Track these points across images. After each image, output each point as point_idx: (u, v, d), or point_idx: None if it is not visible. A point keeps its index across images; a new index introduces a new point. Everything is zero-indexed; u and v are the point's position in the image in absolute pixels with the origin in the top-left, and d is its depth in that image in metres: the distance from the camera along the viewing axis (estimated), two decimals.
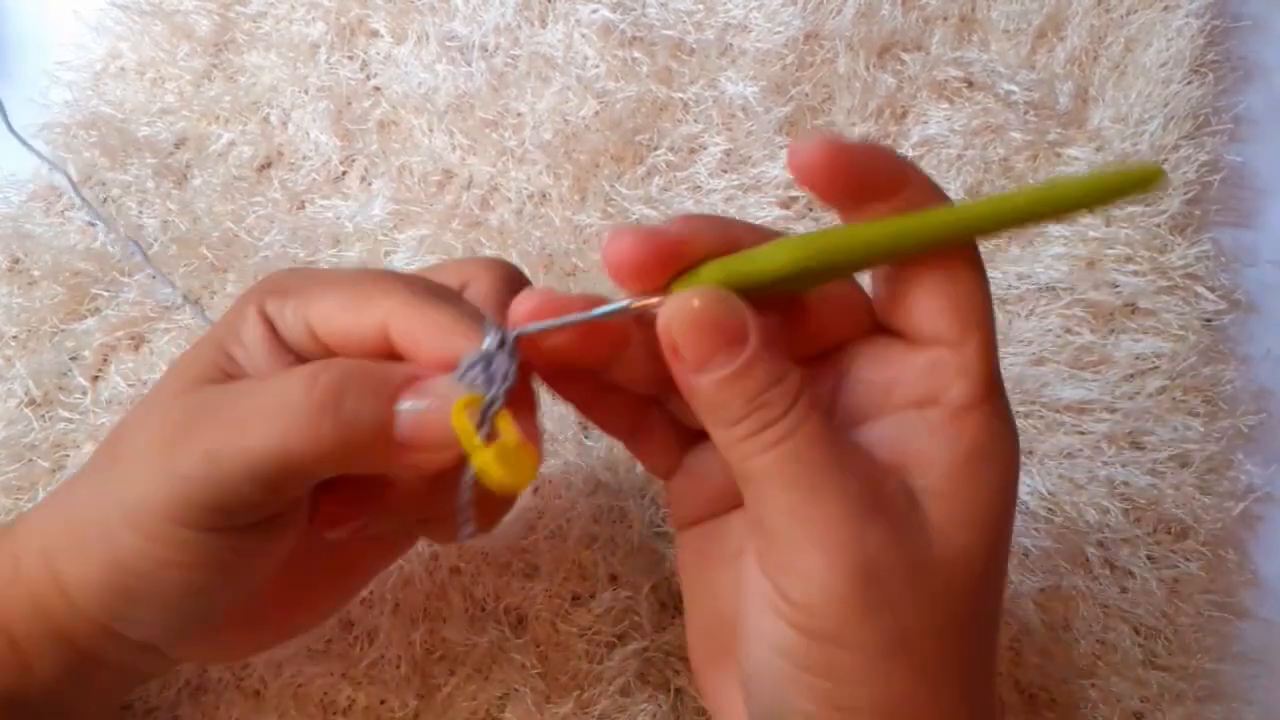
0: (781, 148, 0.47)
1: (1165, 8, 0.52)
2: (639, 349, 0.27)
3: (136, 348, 0.43)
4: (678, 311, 0.24)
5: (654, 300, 0.25)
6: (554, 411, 0.41)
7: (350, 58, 0.49)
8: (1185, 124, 0.49)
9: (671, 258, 0.25)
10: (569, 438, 0.41)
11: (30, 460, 0.41)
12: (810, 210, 0.47)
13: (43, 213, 0.45)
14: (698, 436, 0.30)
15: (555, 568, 0.39)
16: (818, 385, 0.27)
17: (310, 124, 0.47)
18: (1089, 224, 0.47)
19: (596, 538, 0.40)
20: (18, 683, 0.29)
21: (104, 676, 0.31)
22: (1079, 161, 0.48)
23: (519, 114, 0.48)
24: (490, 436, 0.25)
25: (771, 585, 0.25)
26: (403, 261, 0.45)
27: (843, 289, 0.27)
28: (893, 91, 0.49)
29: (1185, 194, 0.48)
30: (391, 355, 0.27)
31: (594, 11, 0.49)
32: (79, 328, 0.43)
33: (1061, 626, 0.41)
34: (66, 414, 0.42)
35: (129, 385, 0.42)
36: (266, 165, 0.47)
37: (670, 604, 0.40)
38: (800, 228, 0.47)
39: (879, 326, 0.27)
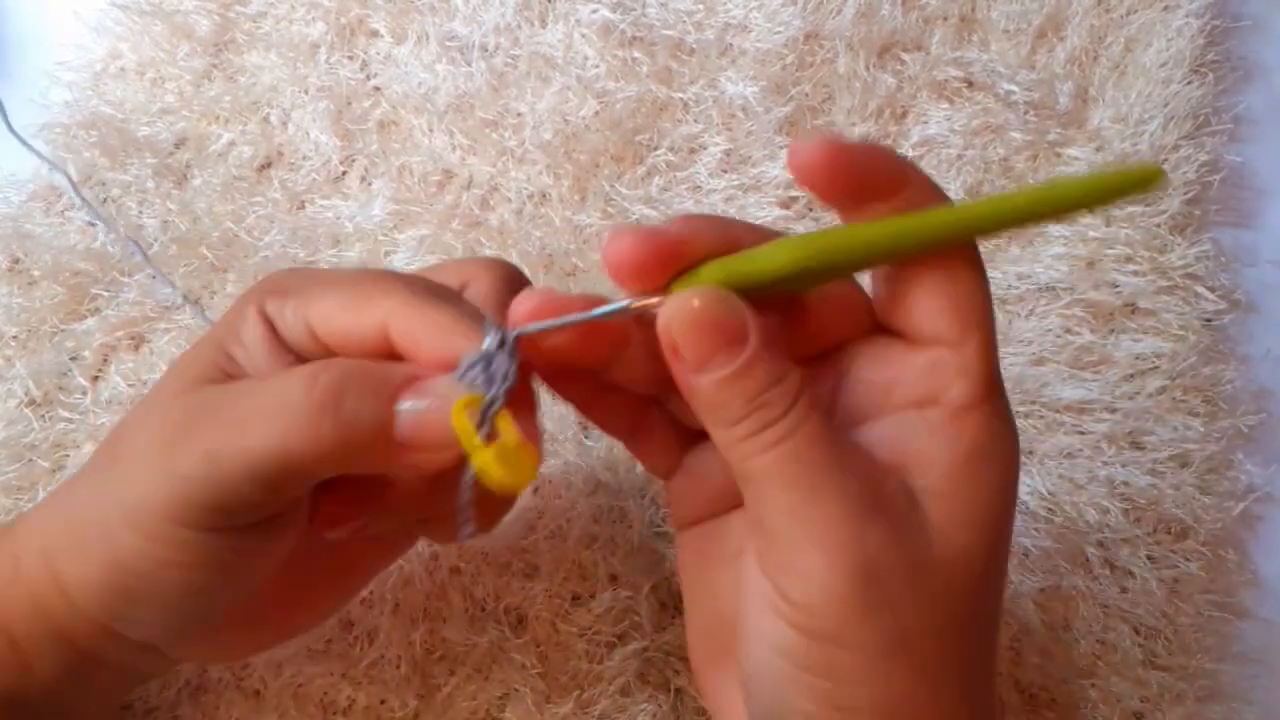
0: (781, 148, 0.47)
1: (1165, 8, 0.52)
2: (639, 349, 0.27)
3: (136, 348, 0.43)
4: (678, 311, 0.24)
5: (654, 300, 0.25)
6: (554, 411, 0.41)
7: (350, 58, 0.49)
8: (1185, 124, 0.49)
9: (671, 258, 0.25)
10: (569, 438, 0.41)
11: (30, 460, 0.41)
12: (810, 210, 0.47)
13: (43, 213, 0.45)
14: (698, 436, 0.30)
15: (555, 568, 0.39)
16: (817, 385, 0.27)
17: (310, 124, 0.47)
18: (1089, 224, 0.47)
19: (596, 538, 0.40)
20: (17, 682, 0.29)
21: (104, 676, 0.31)
22: (1079, 161, 0.48)
23: (519, 114, 0.48)
24: (490, 436, 0.25)
25: (771, 585, 0.25)
26: (403, 261, 0.45)
27: (842, 289, 0.27)
28: (893, 91, 0.49)
29: (1185, 194, 0.48)
30: (391, 355, 0.27)
31: (594, 11, 0.49)
32: (79, 328, 0.43)
33: (1061, 626, 0.41)
34: (66, 414, 0.42)
35: (129, 385, 0.42)
36: (266, 165, 0.47)
37: (670, 604, 0.40)
38: (800, 228, 0.47)
39: (879, 326, 0.27)
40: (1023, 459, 0.42)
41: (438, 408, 0.25)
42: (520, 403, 0.26)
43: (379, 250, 0.45)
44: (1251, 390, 0.47)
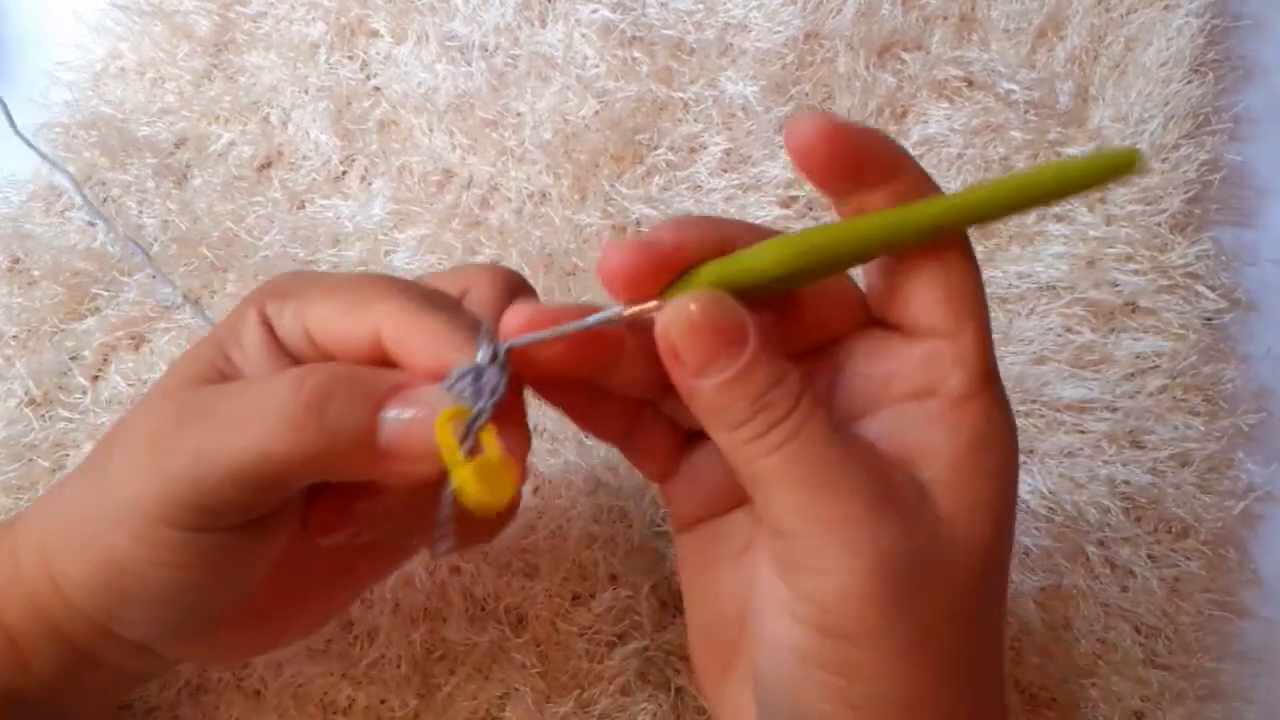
0: (781, 147, 0.47)
1: (1165, 7, 0.52)
2: (634, 353, 0.27)
3: (136, 348, 0.43)
4: (676, 316, 0.24)
5: (649, 305, 0.25)
6: (554, 411, 0.41)
7: (350, 58, 0.49)
8: (1185, 123, 0.49)
9: (666, 266, 0.25)
10: (569, 437, 0.41)
11: (30, 460, 0.41)
12: (810, 210, 0.47)
13: (43, 213, 0.45)
14: (693, 437, 0.29)
15: (555, 568, 0.39)
16: (814, 381, 0.27)
17: (310, 124, 0.47)
18: (1089, 223, 0.47)
19: (596, 538, 0.40)
20: (16, 681, 0.29)
21: (101, 676, 0.31)
22: None
23: (519, 114, 0.48)
24: (473, 451, 0.24)
25: (787, 586, 0.25)
26: (403, 261, 0.45)
27: (834, 283, 0.27)
28: (893, 91, 0.49)
29: (1185, 193, 0.48)
30: (387, 362, 0.26)
31: (594, 11, 0.49)
32: (79, 328, 0.43)
33: (1062, 626, 0.41)
34: (66, 414, 0.42)
35: (129, 385, 0.42)
36: (266, 165, 0.47)
37: (670, 603, 0.40)
38: (800, 226, 0.47)
39: (873, 320, 0.27)
40: (1023, 458, 0.43)
41: (423, 418, 0.25)
42: (508, 419, 0.25)
43: (379, 250, 0.45)
44: (1252, 389, 0.46)
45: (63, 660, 0.29)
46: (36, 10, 0.51)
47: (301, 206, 0.46)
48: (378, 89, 0.49)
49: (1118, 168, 0.25)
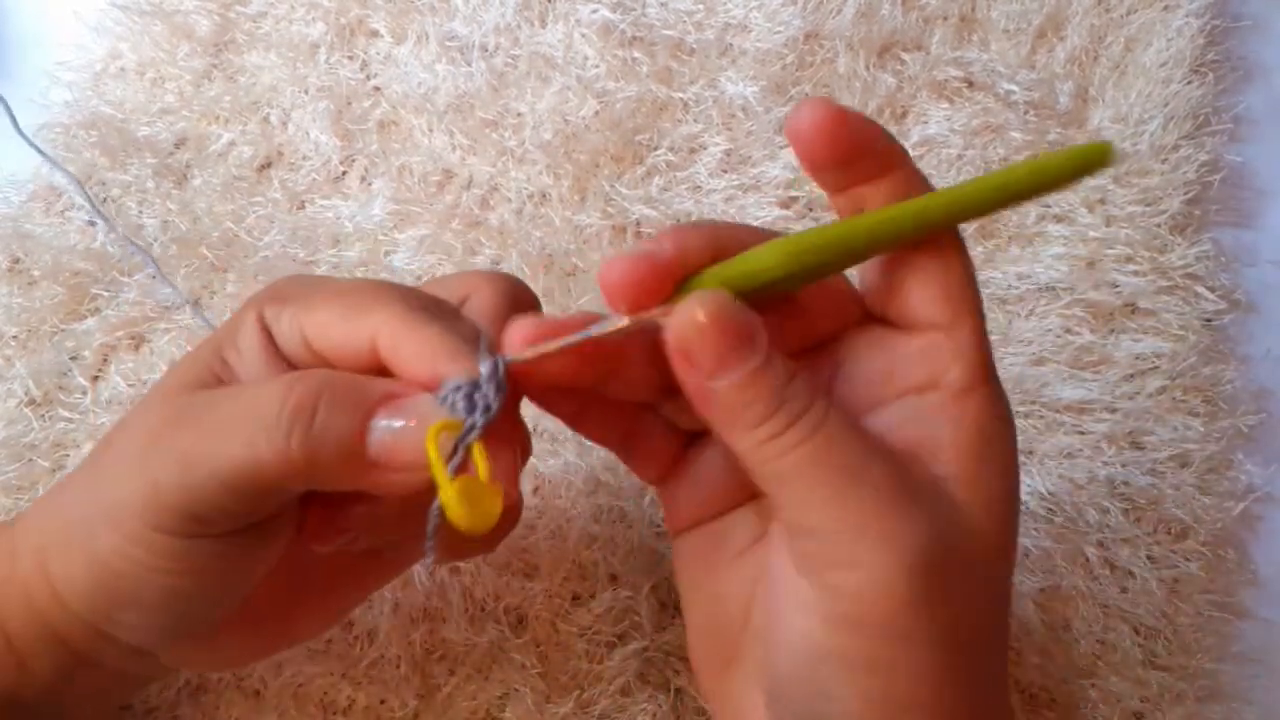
0: (782, 147, 0.47)
1: (1165, 7, 0.52)
2: (633, 357, 0.27)
3: (136, 348, 0.43)
4: (687, 319, 0.24)
5: (655, 313, 0.25)
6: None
7: (350, 58, 0.49)
8: (1185, 124, 0.49)
9: (668, 275, 0.25)
10: (569, 438, 0.41)
11: (30, 460, 0.41)
12: (810, 210, 0.47)
13: (43, 213, 0.45)
14: (691, 438, 0.29)
15: (555, 568, 0.39)
16: (816, 380, 0.27)
17: (310, 124, 0.47)
18: (1089, 224, 0.47)
19: (596, 538, 0.40)
20: (15, 682, 0.29)
21: (99, 679, 0.31)
22: None
23: (519, 114, 0.48)
24: (462, 467, 0.24)
25: (815, 584, 0.24)
26: (402, 261, 0.45)
27: (827, 281, 0.27)
28: (893, 91, 0.49)
29: (1185, 194, 0.48)
30: (384, 370, 0.26)
31: (594, 11, 0.49)
32: (79, 328, 0.43)
33: (1061, 626, 0.41)
34: (66, 414, 0.42)
35: (129, 385, 0.42)
36: (266, 165, 0.47)
37: (670, 604, 0.40)
38: (800, 227, 0.47)
39: (868, 317, 0.27)
40: (1023, 459, 0.43)
41: (413, 429, 0.24)
42: (501, 437, 0.25)
43: (379, 250, 0.45)
44: (1251, 390, 0.46)
45: (61, 662, 0.29)
46: (36, 10, 0.51)
47: (301, 207, 0.46)
48: (378, 89, 0.49)
49: (1092, 161, 0.25)
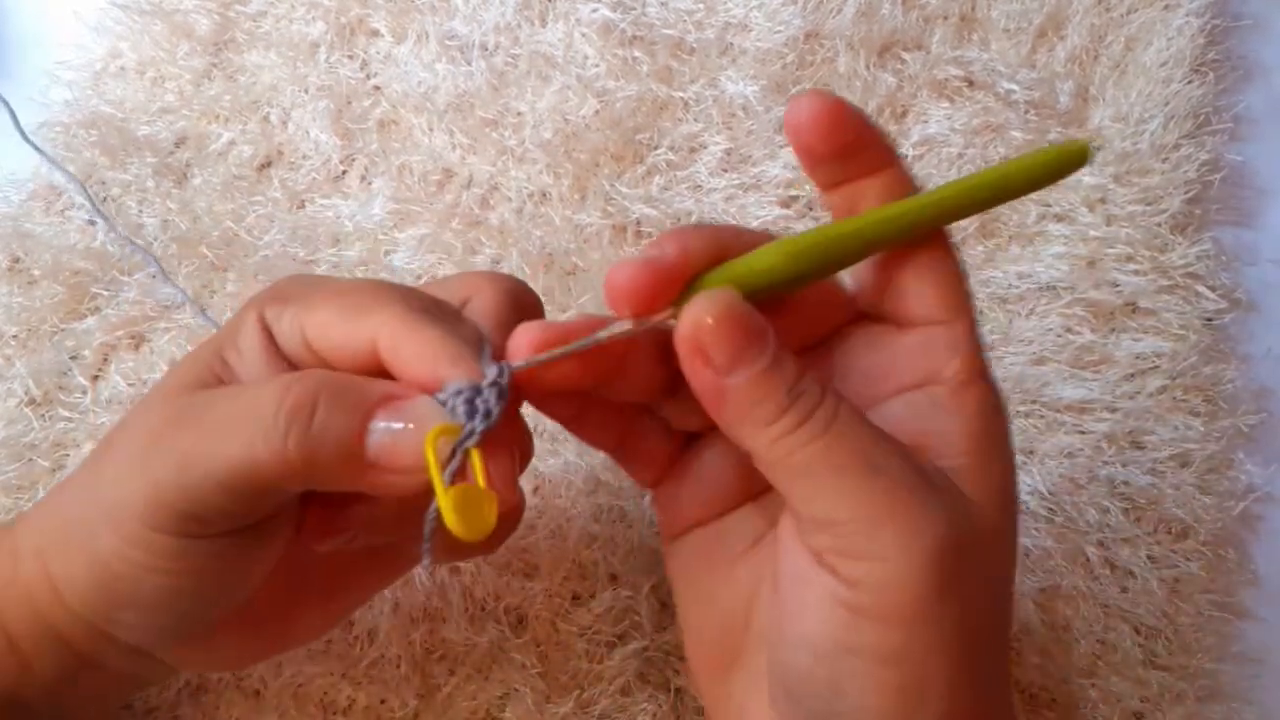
0: (782, 147, 0.47)
1: (1165, 7, 0.52)
2: (635, 359, 0.27)
3: (136, 347, 0.43)
4: (700, 317, 0.24)
5: (661, 316, 0.25)
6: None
7: (350, 57, 0.49)
8: (1186, 123, 0.49)
9: (673, 280, 0.25)
10: (569, 438, 0.41)
11: (30, 460, 0.41)
12: (810, 210, 0.47)
13: (43, 212, 0.45)
14: (687, 441, 0.29)
15: (555, 568, 0.39)
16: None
17: (310, 123, 0.47)
18: (1089, 223, 0.47)
19: (596, 537, 0.40)
20: (17, 683, 0.29)
21: (101, 679, 0.31)
22: None
23: (519, 113, 0.48)
24: (460, 471, 0.24)
25: (836, 577, 0.24)
26: (402, 261, 0.45)
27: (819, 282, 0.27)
28: (893, 91, 0.49)
29: (1186, 193, 0.48)
30: (384, 371, 0.26)
31: (594, 11, 0.49)
32: (79, 327, 0.43)
33: (1061, 626, 0.41)
34: (66, 414, 0.42)
35: (129, 385, 0.42)
36: (266, 164, 0.47)
37: (670, 604, 0.40)
38: (800, 226, 0.47)
39: (859, 316, 0.28)
40: (1023, 458, 0.43)
41: (412, 431, 0.24)
42: (500, 444, 0.25)
43: (379, 249, 0.45)
44: (1252, 390, 0.46)
45: (63, 663, 0.29)
46: (36, 10, 0.51)
47: (301, 206, 0.46)
48: (378, 88, 0.49)
49: (1072, 159, 0.26)
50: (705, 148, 0.48)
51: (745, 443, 0.25)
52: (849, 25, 0.49)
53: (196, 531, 0.26)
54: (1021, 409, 0.44)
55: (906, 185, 0.26)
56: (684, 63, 0.49)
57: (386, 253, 0.45)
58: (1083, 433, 0.44)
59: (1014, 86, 0.49)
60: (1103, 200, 0.48)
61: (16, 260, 0.44)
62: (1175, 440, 0.44)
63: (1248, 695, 0.42)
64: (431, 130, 0.47)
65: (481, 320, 0.28)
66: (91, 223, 0.45)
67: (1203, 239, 0.48)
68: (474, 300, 0.29)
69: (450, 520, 0.23)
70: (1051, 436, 0.44)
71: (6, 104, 0.46)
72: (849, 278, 0.28)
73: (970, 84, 0.50)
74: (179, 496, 0.25)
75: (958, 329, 0.26)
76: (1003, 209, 0.47)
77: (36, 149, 0.45)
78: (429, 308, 0.27)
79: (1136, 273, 0.46)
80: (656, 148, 0.47)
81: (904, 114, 0.49)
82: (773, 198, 0.47)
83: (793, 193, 0.47)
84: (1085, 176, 0.48)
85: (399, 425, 0.25)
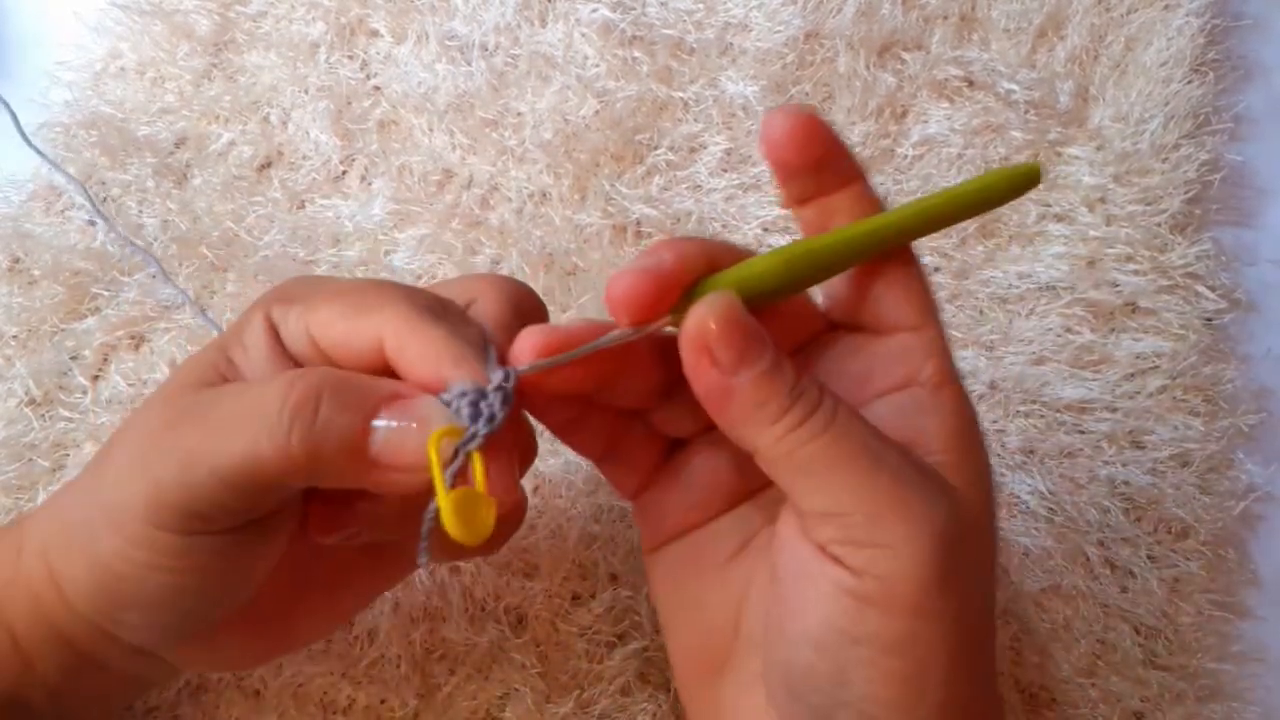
0: None
1: (1165, 7, 0.52)
2: (634, 365, 0.27)
3: (136, 347, 0.43)
4: (705, 318, 0.25)
5: (662, 322, 0.25)
6: None
7: (350, 57, 0.49)
8: (1186, 123, 0.49)
9: (672, 287, 0.26)
10: None
11: (30, 460, 0.41)
12: None
13: (43, 212, 0.45)
14: (671, 449, 0.30)
15: (555, 567, 0.39)
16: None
17: (310, 124, 0.47)
18: (1089, 223, 0.47)
19: (596, 537, 0.40)
20: (20, 682, 0.29)
21: (104, 680, 0.31)
22: (1079, 160, 0.48)
23: (519, 113, 0.48)
24: (460, 474, 0.24)
25: (843, 566, 0.25)
26: (403, 261, 0.45)
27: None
28: (893, 91, 0.49)
29: (1185, 193, 0.48)
30: (388, 370, 0.26)
31: (594, 11, 0.49)
32: (79, 327, 0.43)
33: (1061, 626, 0.41)
34: (66, 414, 0.42)
35: (129, 385, 0.42)
36: (266, 165, 0.47)
37: None
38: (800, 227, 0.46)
39: (831, 326, 0.29)
40: (1023, 458, 0.43)
41: (416, 430, 0.24)
42: (502, 447, 0.25)
43: (379, 250, 0.45)
44: (1252, 389, 0.46)
45: (67, 663, 0.29)
46: (36, 10, 0.51)
47: (301, 206, 0.46)
48: (378, 89, 0.49)
49: (1026, 180, 0.28)
50: (705, 148, 0.48)
51: (748, 442, 0.25)
52: (849, 25, 0.49)
53: (199, 529, 0.26)
54: (1022, 409, 0.44)
55: (874, 199, 0.28)
56: (684, 63, 0.49)
57: (386, 253, 0.45)
58: (1083, 433, 0.44)
59: (1014, 86, 0.49)
60: (1103, 200, 0.48)
61: (17, 261, 0.44)
62: (1175, 440, 0.44)
63: (1248, 695, 0.42)
64: (431, 130, 0.47)
65: (485, 324, 0.28)
66: (91, 223, 0.45)
67: (1202, 239, 0.48)
68: (477, 304, 0.29)
69: (449, 523, 0.23)
70: (1051, 436, 0.44)
71: (6, 105, 0.47)
72: (820, 293, 0.29)
73: (970, 84, 0.50)
74: (181, 493, 0.25)
75: (930, 333, 0.27)
76: (1003, 209, 0.47)
77: (36, 150, 0.45)
78: (434, 307, 0.27)
79: (1136, 273, 0.46)
80: (656, 148, 0.47)
81: (904, 114, 0.49)
82: (772, 198, 0.47)
83: None
84: (1085, 176, 0.48)
85: (403, 424, 0.25)
